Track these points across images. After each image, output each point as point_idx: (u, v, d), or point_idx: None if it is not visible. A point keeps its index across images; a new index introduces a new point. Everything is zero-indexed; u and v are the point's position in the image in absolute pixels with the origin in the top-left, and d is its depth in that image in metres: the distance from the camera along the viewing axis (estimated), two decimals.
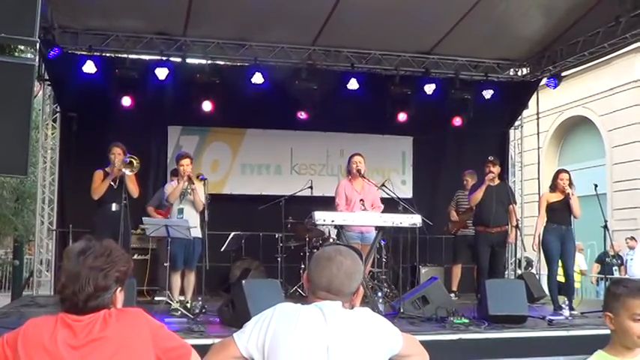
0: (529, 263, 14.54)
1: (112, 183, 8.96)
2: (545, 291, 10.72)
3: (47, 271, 11.56)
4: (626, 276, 15.44)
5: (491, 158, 10.15)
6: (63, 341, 2.44)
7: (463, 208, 11.33)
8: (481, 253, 9.93)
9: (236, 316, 6.99)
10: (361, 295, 2.92)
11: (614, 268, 15.92)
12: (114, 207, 8.94)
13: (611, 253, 15.60)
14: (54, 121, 12.02)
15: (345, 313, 2.76)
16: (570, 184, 9.31)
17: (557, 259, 9.31)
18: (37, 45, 6.52)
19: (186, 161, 8.86)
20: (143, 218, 9.25)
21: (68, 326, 2.48)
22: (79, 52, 11.47)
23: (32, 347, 2.43)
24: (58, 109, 12.01)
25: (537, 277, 12.04)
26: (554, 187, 9.43)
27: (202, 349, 2.83)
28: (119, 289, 2.62)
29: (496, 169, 10.03)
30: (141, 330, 2.57)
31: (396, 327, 2.89)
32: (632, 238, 15.90)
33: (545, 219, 9.37)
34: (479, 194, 9.85)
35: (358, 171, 9.27)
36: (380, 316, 2.89)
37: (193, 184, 8.83)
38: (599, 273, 16.20)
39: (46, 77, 11.62)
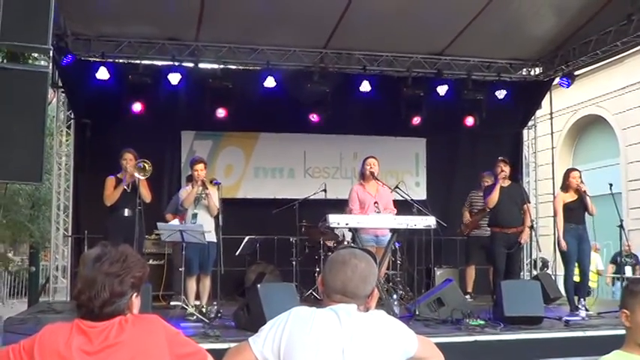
0: (544, 264, 14.48)
1: (125, 188, 8.99)
2: (562, 292, 10.68)
3: (63, 277, 11.63)
4: None
5: (501, 158, 10.12)
6: (77, 348, 2.44)
7: (476, 209, 11.28)
8: (497, 254, 9.86)
9: (251, 321, 6.99)
10: (376, 297, 2.92)
11: (626, 268, 15.79)
12: (126, 212, 8.95)
13: (625, 252, 15.51)
14: (68, 127, 12.10)
15: (360, 316, 2.76)
16: (581, 182, 9.30)
17: (574, 259, 9.27)
18: (51, 52, 6.57)
19: (200, 166, 8.86)
20: (158, 224, 9.27)
21: (83, 332, 2.48)
22: (92, 59, 11.55)
23: (47, 353, 2.43)
24: (72, 116, 12.08)
25: (553, 277, 11.98)
26: (566, 187, 9.40)
27: (218, 354, 2.83)
28: (135, 294, 2.62)
29: (507, 169, 9.99)
30: (157, 336, 2.57)
31: (411, 329, 2.88)
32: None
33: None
34: (495, 195, 9.80)
35: (372, 173, 9.22)
36: (395, 319, 2.89)
37: (207, 188, 8.85)
38: (614, 273, 16.12)
39: (60, 84, 11.69)
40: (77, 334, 2.48)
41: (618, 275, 15.70)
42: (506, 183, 10.01)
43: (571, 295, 9.23)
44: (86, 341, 2.47)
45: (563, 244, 9.16)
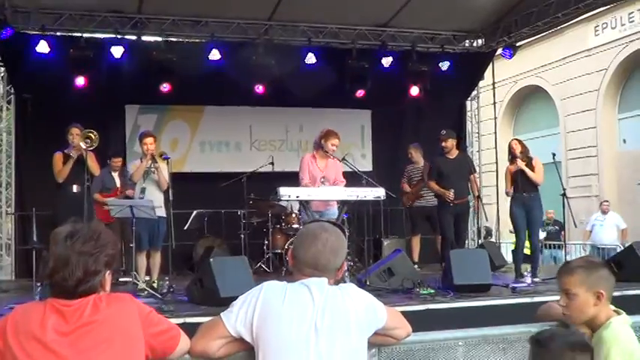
0: (488, 232, 14.75)
1: (71, 154, 8.82)
2: (506, 259, 10.91)
3: (7, 255, 11.41)
4: (590, 242, 15.67)
5: (443, 132, 10.23)
6: (52, 328, 2.42)
7: (414, 181, 11.34)
8: (445, 223, 10.03)
9: (205, 295, 7.01)
10: (344, 269, 2.96)
11: (541, 233, 16.22)
12: (75, 188, 8.82)
13: (548, 220, 15.83)
14: (8, 102, 11.82)
15: (331, 289, 2.79)
16: (523, 151, 9.48)
17: (523, 228, 9.47)
18: None
19: (149, 140, 8.74)
20: (107, 199, 9.16)
21: (58, 312, 2.46)
22: (31, 32, 11.22)
23: (22, 335, 2.41)
24: (12, 91, 11.80)
25: (497, 245, 12.22)
26: (511, 158, 9.58)
27: None
28: (108, 272, 2.60)
29: (450, 143, 10.11)
30: (131, 315, 2.57)
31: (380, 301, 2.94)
32: (607, 202, 15.90)
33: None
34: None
35: (331, 151, 9.12)
36: (364, 292, 2.93)
37: (157, 162, 8.75)
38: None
39: None
40: (51, 313, 2.46)
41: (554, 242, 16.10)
42: (454, 154, 10.15)
43: (519, 264, 9.43)
44: (61, 321, 2.45)
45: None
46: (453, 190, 9.80)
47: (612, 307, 3.31)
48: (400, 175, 11.64)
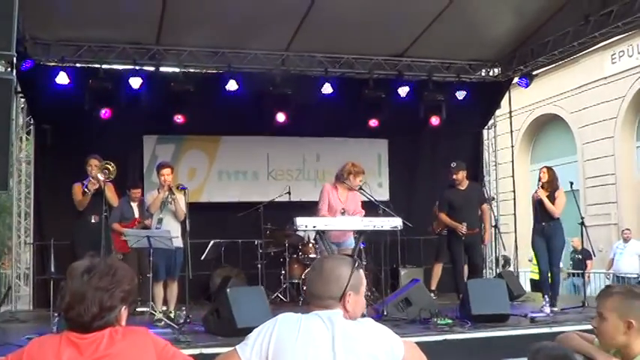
0: (507, 261, 14.66)
1: (87, 190, 8.87)
2: (524, 289, 10.85)
3: (26, 285, 11.46)
4: (612, 271, 15.55)
5: (453, 165, 10.26)
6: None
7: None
8: (456, 253, 10.07)
9: (221, 325, 7.01)
10: (353, 302, 2.90)
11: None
12: (93, 219, 8.88)
13: (574, 248, 15.75)
14: (27, 133, 11.93)
15: (348, 324, 2.78)
16: (552, 181, 9.46)
17: (544, 256, 9.44)
18: (14, 59, 6.48)
19: (166, 171, 8.80)
20: (124, 230, 9.20)
21: (73, 344, 2.48)
22: (51, 64, 11.37)
23: None
24: (32, 122, 11.92)
25: (515, 275, 12.14)
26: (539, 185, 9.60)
27: None
28: (124, 307, 2.62)
29: (461, 175, 10.16)
30: (146, 348, 2.58)
31: (397, 335, 2.92)
32: (628, 230, 15.76)
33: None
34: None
35: (353, 186, 9.11)
36: (382, 325, 2.92)
37: (174, 194, 8.79)
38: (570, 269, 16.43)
39: (19, 89, 11.50)
40: (67, 346, 2.47)
41: (574, 272, 15.98)
42: (465, 185, 10.17)
43: (546, 290, 9.36)
44: (76, 353, 2.46)
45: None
46: (465, 224, 9.80)
47: None
48: (417, 203, 11.60)
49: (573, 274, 16.07)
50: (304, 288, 10.53)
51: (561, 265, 15.94)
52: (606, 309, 3.28)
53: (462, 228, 9.76)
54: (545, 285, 9.51)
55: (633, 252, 15.31)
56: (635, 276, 14.45)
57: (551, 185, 9.49)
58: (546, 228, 9.40)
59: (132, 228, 9.76)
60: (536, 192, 9.52)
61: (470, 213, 10.05)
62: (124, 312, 2.63)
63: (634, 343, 3.23)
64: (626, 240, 15.55)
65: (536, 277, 9.83)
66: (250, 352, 2.73)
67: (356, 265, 2.95)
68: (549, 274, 9.57)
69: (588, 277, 14.32)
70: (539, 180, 9.54)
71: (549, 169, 9.77)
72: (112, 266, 2.61)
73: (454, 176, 10.10)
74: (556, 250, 9.59)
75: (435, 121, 13.07)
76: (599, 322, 3.31)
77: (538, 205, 9.40)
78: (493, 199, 10.87)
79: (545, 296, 9.11)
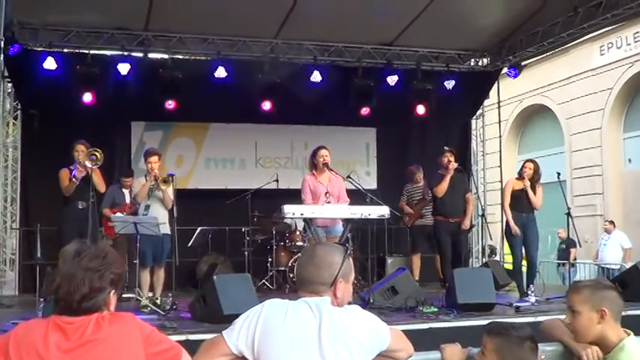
0: (492, 251, 14.71)
1: (75, 180, 8.82)
2: (510, 278, 10.88)
3: (11, 270, 11.42)
4: (597, 262, 15.65)
5: (447, 148, 10.24)
6: (54, 345, 2.44)
7: (415, 201, 11.33)
8: (443, 242, 10.05)
9: (208, 312, 7.00)
10: (343, 290, 2.92)
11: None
12: (80, 205, 8.82)
13: (561, 239, 15.83)
14: (15, 118, 11.86)
15: (335, 310, 2.79)
16: (535, 175, 9.47)
17: (519, 246, 9.46)
18: (2, 43, 6.44)
19: (154, 159, 8.72)
20: (111, 215, 9.17)
21: (60, 329, 2.48)
22: (39, 49, 11.32)
23: (24, 350, 2.42)
24: (19, 107, 11.85)
25: (501, 264, 12.18)
26: (520, 175, 9.58)
27: None
28: (113, 291, 2.63)
29: (453, 159, 10.14)
30: (133, 335, 2.58)
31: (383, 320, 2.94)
32: (611, 222, 15.84)
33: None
34: (444, 185, 9.92)
35: (325, 164, 9.21)
36: (369, 313, 2.93)
37: (161, 185, 8.73)
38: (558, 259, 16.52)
39: (6, 74, 11.43)
40: (53, 330, 2.48)
41: (562, 261, 16.06)
42: (452, 172, 10.18)
43: (520, 282, 9.42)
44: (63, 338, 2.47)
45: (515, 228, 9.32)
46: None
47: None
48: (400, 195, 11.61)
49: (561, 264, 16.16)
50: (291, 275, 10.54)
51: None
52: (578, 303, 3.32)
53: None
54: (519, 275, 9.55)
55: (616, 243, 15.44)
56: (619, 266, 14.53)
57: (533, 178, 9.50)
58: (525, 218, 9.42)
59: (123, 212, 9.73)
60: (519, 180, 9.50)
61: (454, 199, 10.04)
62: (112, 297, 2.64)
63: (609, 332, 3.27)
64: (607, 231, 15.66)
65: (510, 267, 9.83)
66: (237, 337, 2.73)
67: (347, 253, 2.98)
68: (527, 265, 9.60)
69: (571, 265, 14.39)
70: (523, 173, 9.52)
71: (535, 164, 9.77)
72: (102, 249, 2.64)
73: (450, 158, 10.02)
74: (535, 241, 9.59)
75: (423, 110, 13.06)
76: (573, 317, 3.35)
77: (522, 196, 9.40)
78: (470, 190, 10.83)
79: (531, 285, 9.17)
